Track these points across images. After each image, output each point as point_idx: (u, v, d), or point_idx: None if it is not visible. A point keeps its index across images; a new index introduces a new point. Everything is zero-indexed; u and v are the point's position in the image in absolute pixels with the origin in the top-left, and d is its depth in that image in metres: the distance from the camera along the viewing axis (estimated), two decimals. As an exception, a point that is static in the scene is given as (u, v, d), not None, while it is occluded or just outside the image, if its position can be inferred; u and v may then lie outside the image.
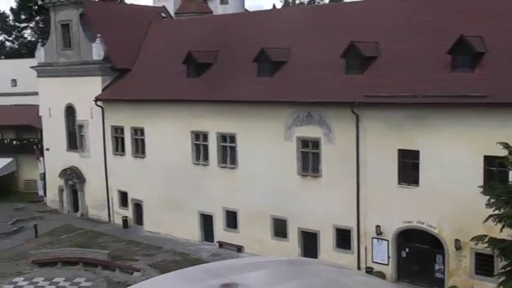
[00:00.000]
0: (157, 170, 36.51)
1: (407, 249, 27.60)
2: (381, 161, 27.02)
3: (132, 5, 61.93)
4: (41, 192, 47.63)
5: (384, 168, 26.96)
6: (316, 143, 29.31)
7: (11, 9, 78.59)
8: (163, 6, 52.05)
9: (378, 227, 27.59)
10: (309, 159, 29.76)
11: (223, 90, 32.78)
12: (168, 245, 34.80)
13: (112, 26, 41.51)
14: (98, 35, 39.53)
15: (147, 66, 39.47)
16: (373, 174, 27.42)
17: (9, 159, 50.34)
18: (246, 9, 70.81)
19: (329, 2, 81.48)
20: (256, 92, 31.41)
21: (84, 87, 40.12)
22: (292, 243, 30.81)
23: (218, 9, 70.96)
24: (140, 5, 55.02)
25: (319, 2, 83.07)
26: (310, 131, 29.35)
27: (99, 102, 39.33)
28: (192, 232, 35.15)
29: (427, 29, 28.01)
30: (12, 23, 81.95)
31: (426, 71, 26.38)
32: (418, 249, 27.22)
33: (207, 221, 34.62)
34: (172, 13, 58.79)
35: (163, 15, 47.50)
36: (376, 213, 27.61)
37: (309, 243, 30.34)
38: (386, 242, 27.62)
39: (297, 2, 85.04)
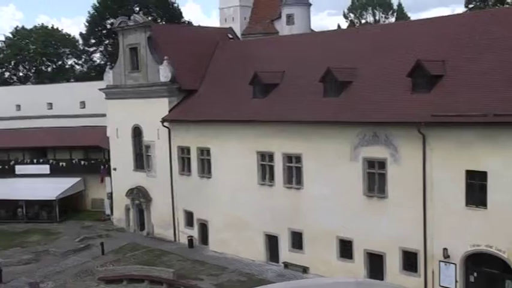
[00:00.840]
0: (223, 190, 37.63)
1: (475, 274, 27.32)
2: (448, 182, 27.00)
3: (199, 27, 63.84)
4: (107, 211, 49.81)
5: (451, 190, 26.94)
6: (382, 164, 29.57)
7: (81, 34, 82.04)
8: (230, 28, 53.59)
9: (445, 249, 27.55)
10: (375, 180, 30.01)
11: (289, 111, 33.56)
12: (233, 265, 35.68)
13: (179, 48, 43.16)
14: (165, 57, 41.13)
15: (213, 87, 40.84)
16: (440, 196, 27.44)
17: (77, 179, 52.88)
18: (312, 30, 71.87)
19: (394, 20, 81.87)
20: (322, 113, 32.00)
21: (151, 109, 41.85)
22: (358, 265, 31.08)
23: (284, 29, 72.45)
24: (207, 27, 56.68)
25: (384, 21, 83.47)
26: (376, 152, 29.68)
27: (166, 123, 40.88)
28: (257, 252, 35.96)
29: (496, 46, 28.13)
30: (81, 47, 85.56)
31: (495, 89, 26.30)
32: (486, 274, 26.90)
33: (272, 242, 35.29)
34: (239, 34, 60.45)
35: (230, 36, 48.85)
36: (443, 236, 27.58)
37: (375, 265, 30.52)
38: (453, 265, 27.47)
39: (362, 21, 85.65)
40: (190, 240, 39.98)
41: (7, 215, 52.43)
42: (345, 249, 31.72)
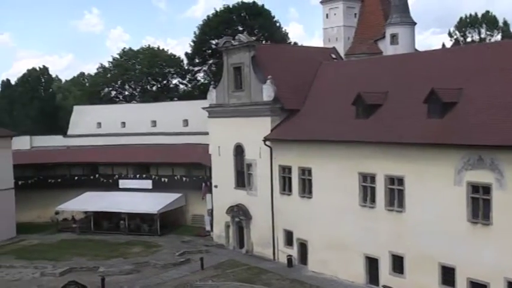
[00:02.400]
0: (323, 211, 38.03)
1: None
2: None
3: (302, 46, 64.90)
4: (207, 227, 51.41)
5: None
6: (487, 189, 28.93)
7: (186, 54, 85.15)
8: (334, 48, 54.37)
9: (554, 281, 26.85)
10: (479, 205, 29.42)
11: (392, 132, 33.68)
12: (331, 286, 35.94)
13: (282, 68, 44.17)
14: (269, 77, 42.21)
15: (316, 107, 41.49)
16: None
17: (178, 195, 55.06)
18: (416, 49, 71.38)
19: (500, 38, 79.89)
20: (425, 134, 31.85)
21: (253, 127, 42.99)
22: (460, 293, 30.59)
23: (388, 49, 72.27)
24: (310, 47, 57.53)
25: (489, 39, 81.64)
26: (481, 176, 29.09)
27: (267, 142, 41.88)
28: (356, 274, 36.03)
29: None
30: (186, 67, 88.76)
31: None
32: None
33: (372, 264, 35.27)
34: (342, 54, 60.95)
35: (334, 56, 49.62)
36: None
37: (479, 294, 29.93)
38: None
39: (468, 39, 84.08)
40: (290, 259, 40.57)
41: (110, 226, 55.45)
42: (447, 276, 31.13)
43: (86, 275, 40.06)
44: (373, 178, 34.73)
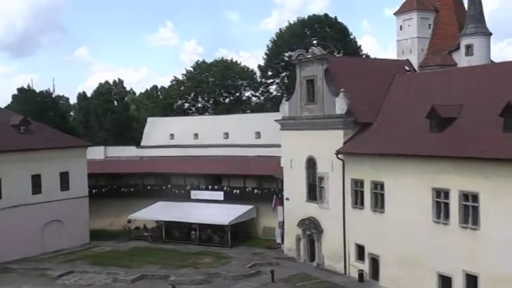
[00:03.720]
0: (395, 226, 37.80)
1: None
2: None
3: (375, 59, 64.84)
4: (278, 240, 51.89)
5: None
6: None
7: (259, 67, 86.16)
8: (407, 60, 54.13)
9: None
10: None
11: (467, 146, 33.28)
12: (403, 303, 35.91)
13: (355, 80, 44.29)
14: (341, 90, 42.46)
15: (388, 120, 41.51)
16: None
17: (250, 206, 55.80)
18: (491, 60, 70.02)
19: None
20: (501, 149, 31.28)
21: (325, 140, 43.26)
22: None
23: (463, 61, 71.30)
24: (383, 59, 57.57)
25: None
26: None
27: (340, 155, 42.07)
28: (429, 292, 35.66)
29: None
30: (259, 80, 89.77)
31: None
32: None
33: (445, 283, 34.69)
34: (416, 66, 60.50)
35: (407, 68, 49.43)
36: None
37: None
38: None
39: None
40: (361, 274, 40.52)
41: (181, 236, 56.70)
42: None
43: (157, 283, 41.36)
44: (446, 194, 34.24)
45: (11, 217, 50.06)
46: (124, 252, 52.81)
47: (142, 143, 73.05)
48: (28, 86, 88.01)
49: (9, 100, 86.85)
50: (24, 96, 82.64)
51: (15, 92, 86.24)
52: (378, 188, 39.59)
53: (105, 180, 63.21)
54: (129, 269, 45.70)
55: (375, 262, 40.26)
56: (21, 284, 43.44)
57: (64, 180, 55.47)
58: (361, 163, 40.84)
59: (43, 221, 53.12)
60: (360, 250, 41.46)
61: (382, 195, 39.25)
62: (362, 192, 40.92)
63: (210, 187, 59.55)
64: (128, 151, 70.69)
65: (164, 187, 61.75)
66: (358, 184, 41.26)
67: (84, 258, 50.65)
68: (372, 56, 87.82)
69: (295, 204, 47.27)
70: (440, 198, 34.81)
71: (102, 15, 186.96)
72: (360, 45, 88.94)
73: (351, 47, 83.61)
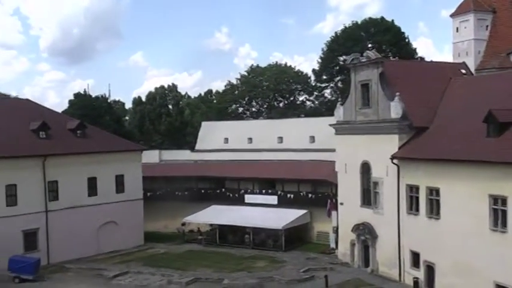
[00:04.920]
0: (451, 233, 37.04)
1: None
2: None
3: (431, 62, 64.02)
4: (332, 245, 51.84)
5: None
6: None
7: (313, 71, 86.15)
8: (463, 63, 53.31)
9: None
10: None
11: (526, 152, 32.65)
12: (458, 312, 35.26)
13: (410, 84, 43.93)
14: (397, 94, 42.08)
15: (445, 125, 40.87)
16: None
17: (304, 211, 55.92)
18: (555, 62, 68.27)
19: None
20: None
21: (380, 145, 43.03)
22: None
23: (522, 62, 69.64)
24: (439, 62, 56.74)
25: None
26: None
27: (395, 160, 41.71)
28: (486, 303, 34.87)
29: None
30: (313, 84, 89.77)
31: None
32: None
33: (503, 292, 34.17)
34: (472, 69, 59.48)
35: (463, 71, 48.67)
36: None
37: None
38: None
39: None
40: (416, 282, 39.93)
41: (235, 240, 57.10)
42: None
43: (211, 286, 41.70)
44: (504, 201, 33.25)
45: (67, 218, 51.46)
46: (178, 255, 53.48)
47: (197, 147, 73.96)
48: (84, 91, 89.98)
49: (66, 105, 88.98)
50: (81, 101, 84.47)
51: (72, 97, 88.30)
52: (434, 194, 38.92)
53: (159, 183, 64.12)
54: (183, 272, 46.26)
55: (430, 270, 39.54)
56: (77, 283, 44.60)
57: (119, 183, 56.69)
58: (416, 168, 40.34)
59: (99, 222, 54.38)
60: (415, 257, 40.86)
61: (438, 201, 38.57)
62: (417, 198, 40.34)
63: (264, 191, 59.86)
64: (183, 155, 71.67)
65: (218, 191, 62.38)
66: (413, 190, 40.73)
67: (139, 260, 51.56)
68: (428, 59, 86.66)
69: (350, 209, 47.15)
70: (498, 205, 33.85)
71: (157, 21, 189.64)
72: (415, 48, 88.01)
73: (406, 50, 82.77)
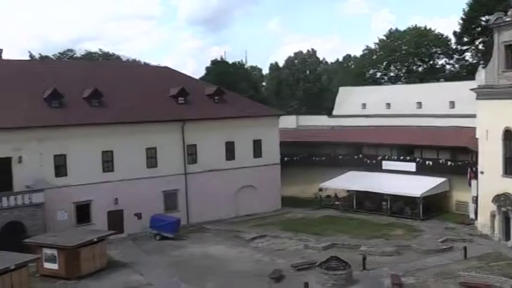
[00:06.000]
0: None
1: None
2: None
3: None
4: (471, 215, 49.74)
5: None
6: None
7: (454, 33, 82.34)
8: None
9: None
10: None
11: None
12: None
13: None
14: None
15: None
16: None
17: (442, 179, 54.05)
18: None
19: None
20: None
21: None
22: None
23: None
24: None
25: None
26: None
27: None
28: None
29: None
30: (454, 47, 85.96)
31: None
32: None
33: None
34: None
35: None
36: None
37: None
38: None
39: None
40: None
41: (372, 206, 56.30)
42: None
43: (347, 252, 41.26)
44: None
45: (206, 181, 53.14)
46: (315, 220, 53.55)
47: (334, 113, 73.42)
48: (221, 58, 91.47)
49: (203, 72, 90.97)
50: (218, 68, 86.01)
51: (209, 64, 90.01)
52: None
53: (296, 148, 64.22)
54: (319, 237, 46.30)
55: None
56: (216, 243, 46.01)
57: (257, 148, 57.47)
58: None
59: (237, 185, 55.56)
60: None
61: None
62: None
63: (401, 158, 58.25)
64: (320, 120, 71.41)
65: (355, 157, 61.53)
66: None
67: (276, 224, 52.13)
68: None
69: (490, 178, 44.82)
70: None
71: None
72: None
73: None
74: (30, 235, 40.74)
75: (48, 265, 37.82)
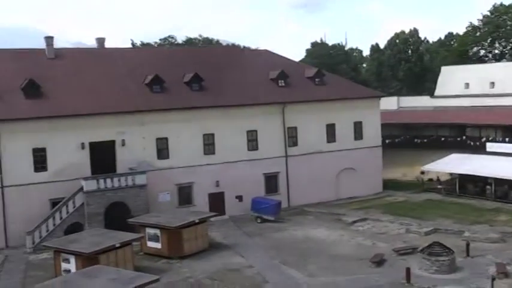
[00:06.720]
0: None
1: None
2: None
3: None
4: None
5: None
6: None
7: None
8: None
9: None
10: None
11: None
12: None
13: None
14: None
15: None
16: None
17: None
18: None
19: None
20: None
21: None
22: None
23: None
24: None
25: None
26: None
27: None
28: None
29: None
30: None
31: None
32: None
33: None
34: None
35: None
36: None
37: None
38: None
39: None
40: None
41: (475, 190, 54.27)
42: None
43: (450, 238, 40.04)
44: None
45: (306, 163, 53.18)
46: (417, 204, 52.40)
47: (436, 93, 71.45)
48: (321, 40, 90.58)
49: (303, 54, 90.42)
50: (318, 50, 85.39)
51: (309, 47, 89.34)
52: None
53: (398, 130, 63.13)
54: (421, 221, 45.32)
55: None
56: (316, 226, 45.91)
57: (358, 130, 56.84)
58: None
59: (337, 168, 55.24)
60: None
61: None
62: None
63: (507, 139, 55.97)
64: (422, 101, 69.65)
65: (459, 139, 59.87)
66: None
67: (377, 207, 51.45)
68: None
69: None
70: None
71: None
72: None
73: None
74: (133, 215, 42.27)
75: (151, 244, 39.06)
